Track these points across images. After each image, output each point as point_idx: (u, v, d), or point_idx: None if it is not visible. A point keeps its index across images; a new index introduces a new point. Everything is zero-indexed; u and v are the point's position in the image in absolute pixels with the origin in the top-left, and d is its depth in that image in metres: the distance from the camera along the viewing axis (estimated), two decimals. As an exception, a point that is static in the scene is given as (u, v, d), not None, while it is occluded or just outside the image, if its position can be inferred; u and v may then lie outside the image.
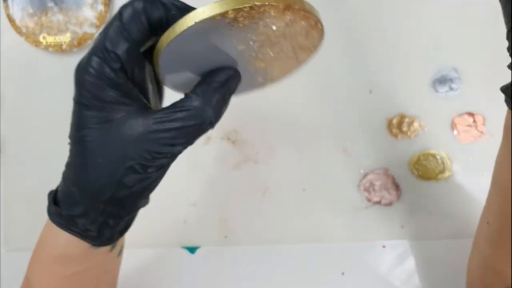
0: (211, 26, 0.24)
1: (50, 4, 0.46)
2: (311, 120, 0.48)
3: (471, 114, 0.47)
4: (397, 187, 0.48)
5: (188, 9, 0.25)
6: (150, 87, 0.30)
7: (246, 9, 0.23)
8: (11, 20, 0.46)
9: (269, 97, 0.48)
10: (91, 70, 0.25)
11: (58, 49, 0.46)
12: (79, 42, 0.46)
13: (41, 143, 0.48)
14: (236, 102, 0.48)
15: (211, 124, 0.26)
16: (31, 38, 0.46)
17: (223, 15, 0.23)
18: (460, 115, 0.47)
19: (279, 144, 0.48)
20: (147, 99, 0.29)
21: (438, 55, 0.47)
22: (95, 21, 0.46)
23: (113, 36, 0.25)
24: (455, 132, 0.47)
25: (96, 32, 0.46)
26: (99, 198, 0.28)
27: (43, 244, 0.33)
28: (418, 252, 0.46)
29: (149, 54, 0.27)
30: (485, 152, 0.47)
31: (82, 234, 0.30)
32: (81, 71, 0.26)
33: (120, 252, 0.36)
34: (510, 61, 0.31)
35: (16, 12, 0.46)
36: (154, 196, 0.49)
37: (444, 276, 0.45)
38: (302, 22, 0.25)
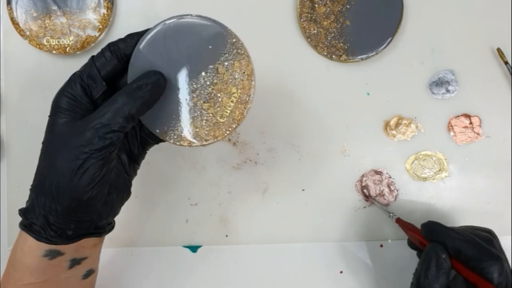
0: None
1: (54, 8, 0.46)
2: (310, 122, 0.48)
3: (467, 116, 0.48)
4: (394, 187, 0.48)
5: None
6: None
7: None
8: (14, 23, 0.46)
9: (269, 98, 0.48)
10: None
11: (62, 51, 0.46)
12: (83, 45, 0.46)
13: (45, 144, 0.48)
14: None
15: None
16: (35, 41, 0.46)
17: None
18: (457, 117, 0.48)
19: (279, 146, 0.49)
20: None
21: (435, 58, 0.48)
22: (98, 24, 0.46)
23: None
24: (451, 133, 0.48)
25: (99, 36, 0.46)
26: (40, 191, 0.31)
27: (12, 250, 0.35)
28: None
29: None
30: (481, 153, 0.48)
31: (28, 228, 0.32)
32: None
33: (86, 276, 0.35)
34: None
35: (20, 15, 0.46)
36: (156, 196, 0.49)
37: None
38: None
